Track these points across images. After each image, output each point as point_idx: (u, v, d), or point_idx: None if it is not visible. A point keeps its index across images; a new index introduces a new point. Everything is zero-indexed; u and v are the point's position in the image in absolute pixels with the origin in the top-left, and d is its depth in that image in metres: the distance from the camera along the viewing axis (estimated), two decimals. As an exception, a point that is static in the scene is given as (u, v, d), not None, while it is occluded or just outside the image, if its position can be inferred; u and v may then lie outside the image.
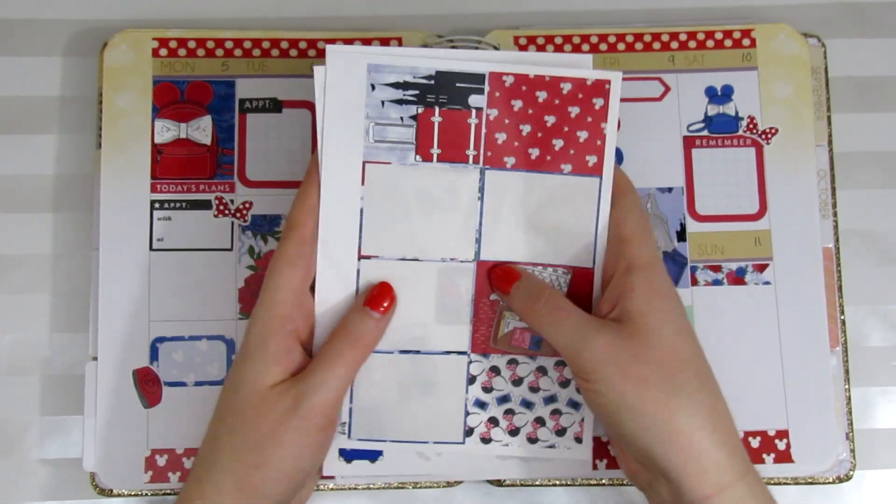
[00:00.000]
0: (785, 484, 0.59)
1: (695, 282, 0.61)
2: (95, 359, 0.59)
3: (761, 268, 0.61)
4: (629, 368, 0.49)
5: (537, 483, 0.59)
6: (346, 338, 0.53)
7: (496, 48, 0.63)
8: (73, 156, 0.63)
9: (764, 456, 0.59)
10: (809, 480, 0.59)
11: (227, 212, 0.61)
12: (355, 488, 0.59)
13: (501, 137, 0.54)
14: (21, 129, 0.63)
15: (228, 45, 0.62)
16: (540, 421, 0.56)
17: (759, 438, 0.59)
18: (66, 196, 0.63)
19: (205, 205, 0.61)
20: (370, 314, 0.53)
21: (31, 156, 0.63)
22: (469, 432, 0.56)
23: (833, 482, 0.59)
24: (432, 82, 0.53)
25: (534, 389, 0.56)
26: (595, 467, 0.59)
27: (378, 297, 0.54)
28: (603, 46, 0.63)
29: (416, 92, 0.53)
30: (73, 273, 0.62)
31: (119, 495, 0.58)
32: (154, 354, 0.59)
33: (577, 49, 0.63)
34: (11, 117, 0.63)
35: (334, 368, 0.52)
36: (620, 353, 0.49)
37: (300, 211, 0.53)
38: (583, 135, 0.54)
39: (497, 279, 0.55)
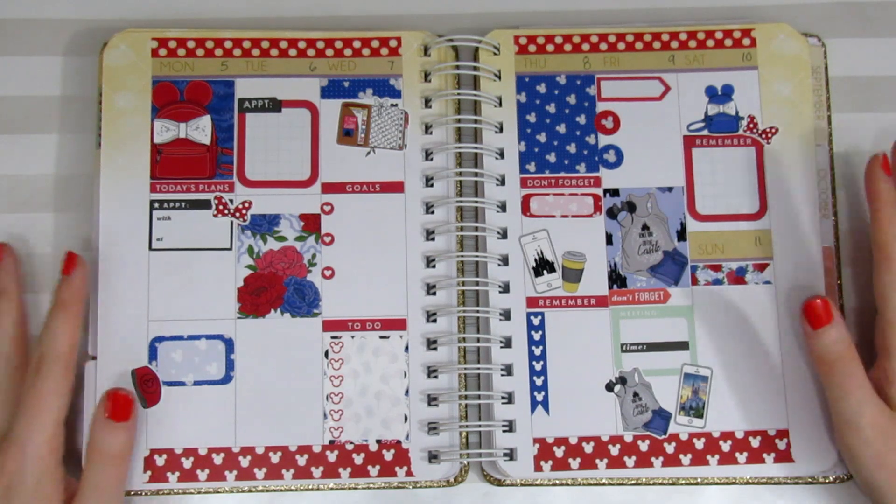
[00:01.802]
0: (785, 484, 0.59)
1: (695, 281, 0.61)
2: (95, 358, 0.59)
3: (761, 267, 0.61)
4: (885, 458, 0.54)
5: (537, 483, 0.59)
6: (101, 460, 0.54)
7: (496, 48, 0.63)
8: (73, 156, 0.63)
9: (764, 456, 0.59)
10: (809, 480, 0.59)
11: (226, 211, 0.61)
12: (355, 487, 0.59)
13: None
14: (21, 129, 0.63)
15: (227, 44, 0.62)
16: None
17: (759, 438, 0.59)
18: (66, 196, 0.63)
19: (204, 204, 0.61)
20: (116, 426, 0.55)
21: (32, 156, 0.63)
22: None
23: (833, 482, 0.59)
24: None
25: None
26: (595, 467, 0.59)
27: (118, 406, 0.55)
28: (603, 46, 0.63)
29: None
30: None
31: (118, 495, 0.59)
32: (153, 354, 0.59)
33: (577, 49, 0.63)
34: (11, 117, 0.64)
35: (102, 497, 0.54)
36: (882, 443, 0.54)
37: (65, 343, 0.54)
38: None
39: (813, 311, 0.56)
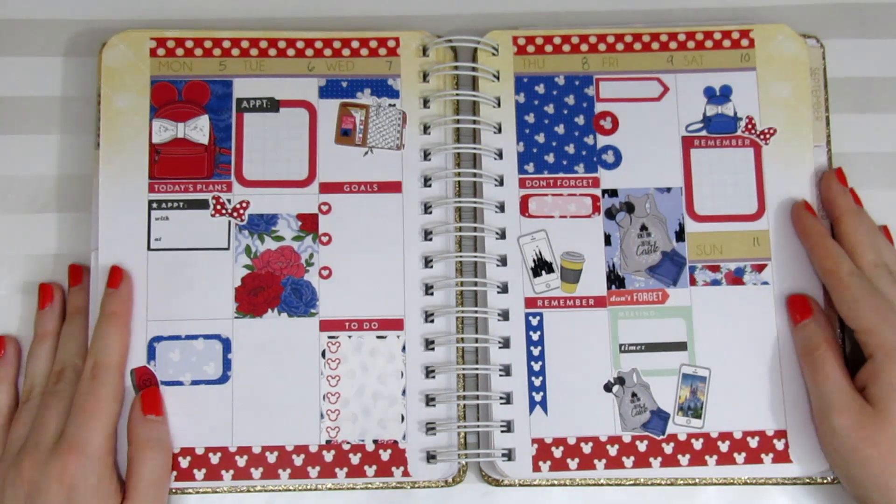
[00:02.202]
0: (783, 484, 0.59)
1: (693, 282, 0.61)
2: (93, 358, 0.59)
3: (760, 268, 0.61)
4: (856, 448, 0.54)
5: (536, 483, 0.59)
6: (149, 452, 0.56)
7: (495, 48, 0.63)
8: (73, 156, 0.63)
9: (762, 456, 0.59)
10: (807, 481, 0.59)
11: (224, 211, 0.61)
12: (353, 488, 0.59)
13: None
14: (21, 129, 0.64)
15: (226, 44, 0.62)
16: None
17: (757, 439, 0.59)
18: (66, 196, 0.63)
19: (202, 204, 0.61)
20: (154, 419, 0.57)
21: (32, 156, 0.63)
22: None
23: (831, 483, 0.59)
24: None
25: None
26: (594, 467, 0.59)
27: (152, 401, 0.57)
28: (602, 46, 0.63)
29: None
30: (73, 273, 0.62)
31: (116, 494, 0.59)
32: (151, 354, 0.59)
33: (575, 49, 0.63)
34: (11, 117, 0.64)
35: (152, 489, 0.55)
36: (854, 433, 0.55)
37: (118, 352, 0.57)
38: None
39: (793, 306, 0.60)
